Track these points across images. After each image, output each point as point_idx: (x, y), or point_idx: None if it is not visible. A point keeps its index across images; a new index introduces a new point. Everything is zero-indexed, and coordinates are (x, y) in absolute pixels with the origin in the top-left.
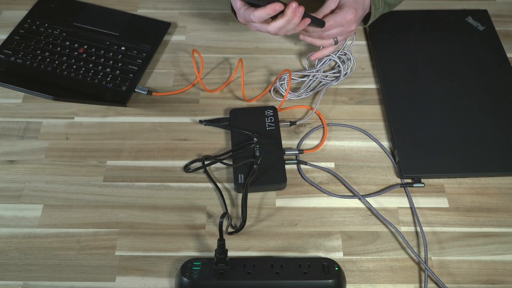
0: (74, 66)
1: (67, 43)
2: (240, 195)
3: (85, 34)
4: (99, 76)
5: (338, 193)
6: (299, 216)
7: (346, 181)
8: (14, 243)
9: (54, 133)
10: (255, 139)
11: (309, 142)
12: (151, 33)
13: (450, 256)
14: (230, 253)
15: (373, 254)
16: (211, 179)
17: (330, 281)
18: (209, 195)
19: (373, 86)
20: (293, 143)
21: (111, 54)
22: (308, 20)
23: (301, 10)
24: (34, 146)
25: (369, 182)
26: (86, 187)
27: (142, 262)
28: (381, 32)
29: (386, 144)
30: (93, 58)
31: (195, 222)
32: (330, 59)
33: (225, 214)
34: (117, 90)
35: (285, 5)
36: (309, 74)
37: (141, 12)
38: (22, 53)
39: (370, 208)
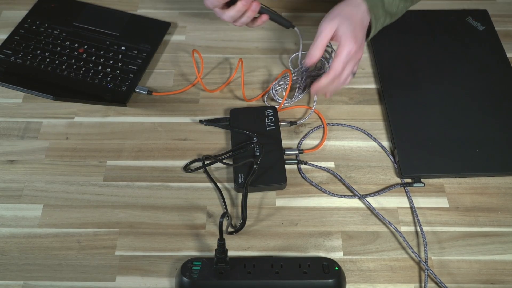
0: (74, 66)
1: (67, 43)
2: (240, 195)
3: (85, 34)
4: (99, 76)
5: (338, 193)
6: (299, 216)
7: (346, 180)
8: (14, 243)
9: (54, 133)
10: (255, 139)
11: (309, 142)
12: (151, 33)
13: (450, 256)
14: (230, 253)
15: (373, 254)
16: (211, 179)
17: (330, 281)
18: (209, 195)
19: (373, 86)
20: (293, 143)
21: (111, 54)
22: (265, 17)
23: (255, 5)
24: (34, 146)
25: (369, 182)
26: (86, 187)
27: (142, 262)
28: (381, 32)
29: (386, 144)
30: (93, 58)
31: (195, 222)
32: None
33: (225, 214)
34: (117, 90)
35: None
36: (296, 77)
37: (141, 12)
38: (22, 53)
39: (370, 208)
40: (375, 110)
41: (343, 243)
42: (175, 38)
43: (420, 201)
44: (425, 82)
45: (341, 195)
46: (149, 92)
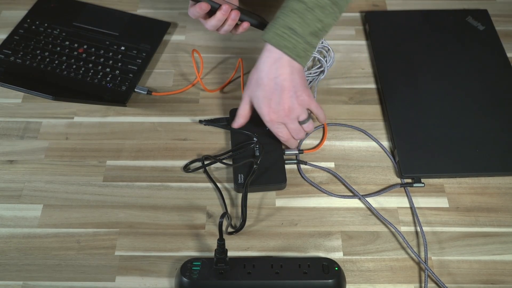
0: (74, 66)
1: (67, 43)
2: (240, 195)
3: (85, 34)
4: (99, 76)
5: (338, 193)
6: (299, 216)
7: (346, 181)
8: (13, 243)
9: (53, 133)
10: (255, 139)
11: (309, 142)
12: (151, 33)
13: (450, 256)
14: (230, 253)
15: (373, 254)
16: (211, 179)
17: (330, 281)
18: (209, 195)
19: (373, 86)
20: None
21: (110, 54)
22: (246, 24)
23: (234, 14)
24: (34, 146)
25: (369, 182)
26: (86, 187)
27: (142, 262)
28: (381, 32)
29: (386, 144)
30: (93, 58)
31: (195, 222)
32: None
33: (225, 214)
34: (117, 90)
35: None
36: None
37: (141, 12)
38: (21, 53)
39: (370, 208)
40: (375, 110)
41: (343, 243)
42: (175, 38)
43: (420, 201)
44: (425, 82)
45: (341, 195)
46: (149, 92)
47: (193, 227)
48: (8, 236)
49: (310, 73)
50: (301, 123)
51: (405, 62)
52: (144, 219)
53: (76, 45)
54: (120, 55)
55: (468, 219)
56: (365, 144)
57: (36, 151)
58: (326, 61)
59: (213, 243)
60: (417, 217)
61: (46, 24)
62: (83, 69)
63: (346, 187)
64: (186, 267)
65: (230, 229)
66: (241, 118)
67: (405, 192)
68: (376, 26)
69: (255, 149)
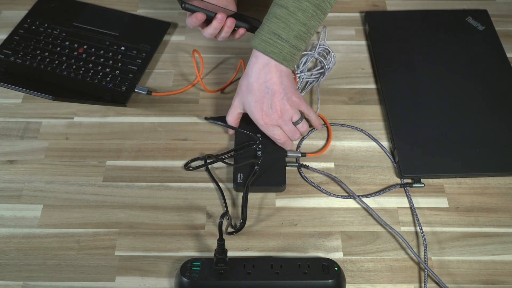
0: (74, 66)
1: (67, 43)
2: (240, 195)
3: (84, 34)
4: (99, 76)
5: (338, 193)
6: (299, 216)
7: (345, 183)
8: (13, 243)
9: (53, 133)
10: (259, 139)
11: (309, 142)
12: (151, 33)
13: (450, 256)
14: (230, 253)
15: (373, 254)
16: (213, 178)
17: (330, 281)
18: (209, 195)
19: (373, 86)
20: (295, 143)
21: (110, 54)
22: (243, 30)
23: (230, 22)
24: (34, 146)
25: (369, 182)
26: (85, 187)
27: (141, 262)
28: (381, 32)
29: (386, 144)
30: (93, 58)
31: (195, 222)
32: (311, 58)
33: (225, 214)
34: (116, 90)
35: (214, 14)
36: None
37: (140, 12)
38: (21, 53)
39: (368, 210)
40: (375, 110)
41: (343, 243)
42: (175, 38)
43: (420, 202)
44: (425, 82)
45: (341, 196)
46: (149, 92)
47: (193, 227)
48: (8, 236)
49: (311, 75)
50: (294, 124)
51: (405, 62)
52: (144, 219)
53: (76, 45)
54: (120, 55)
55: (468, 219)
56: (365, 144)
57: (36, 151)
58: (327, 62)
59: (213, 243)
60: (417, 217)
61: (46, 24)
62: (83, 69)
63: (345, 191)
64: (186, 267)
65: (230, 229)
66: (232, 124)
67: (405, 192)
68: (376, 26)
69: (258, 149)
